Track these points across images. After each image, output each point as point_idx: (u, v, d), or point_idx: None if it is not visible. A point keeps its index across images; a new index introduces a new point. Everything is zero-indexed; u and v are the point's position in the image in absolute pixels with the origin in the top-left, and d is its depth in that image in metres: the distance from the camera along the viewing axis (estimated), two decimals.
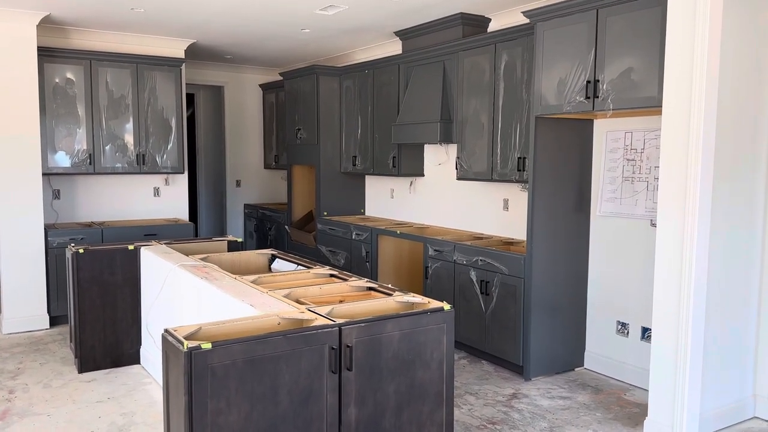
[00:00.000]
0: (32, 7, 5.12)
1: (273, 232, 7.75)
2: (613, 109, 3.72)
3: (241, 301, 2.86)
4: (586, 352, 4.58)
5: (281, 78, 7.34)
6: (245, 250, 4.87)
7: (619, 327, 4.35)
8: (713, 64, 3.17)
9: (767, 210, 3.62)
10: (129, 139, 6.09)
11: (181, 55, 6.52)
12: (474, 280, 4.67)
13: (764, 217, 3.63)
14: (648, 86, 3.52)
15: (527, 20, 4.32)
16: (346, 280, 3.42)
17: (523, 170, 4.54)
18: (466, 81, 5.03)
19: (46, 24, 5.64)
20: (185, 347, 2.21)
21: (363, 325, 2.57)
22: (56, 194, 6.10)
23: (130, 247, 4.46)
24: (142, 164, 6.16)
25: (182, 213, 6.72)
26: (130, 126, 6.08)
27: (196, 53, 7.16)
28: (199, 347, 2.22)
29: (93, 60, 5.86)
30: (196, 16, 5.40)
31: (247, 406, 2.31)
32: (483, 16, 5.18)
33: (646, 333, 4.18)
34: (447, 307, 2.80)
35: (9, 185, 5.29)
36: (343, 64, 6.82)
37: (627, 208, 4.25)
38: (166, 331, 2.40)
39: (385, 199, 6.68)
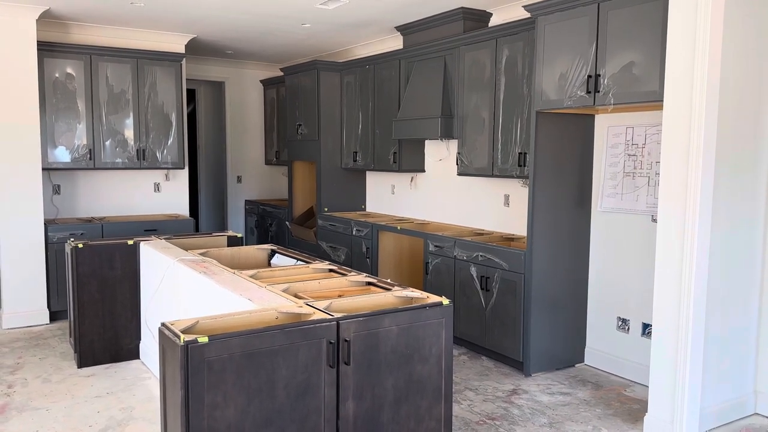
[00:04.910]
0: (32, 1, 5.11)
1: (274, 228, 7.74)
2: (614, 104, 3.69)
3: (239, 296, 2.85)
4: (586, 349, 4.56)
5: (282, 73, 7.32)
6: (245, 245, 4.86)
7: (620, 323, 4.34)
8: (715, 58, 3.15)
9: None
10: (129, 134, 6.08)
11: (182, 50, 6.50)
12: (474, 275, 4.65)
13: (766, 213, 3.60)
14: (649, 81, 3.50)
15: (528, 15, 4.30)
16: (345, 275, 3.40)
17: (524, 166, 4.52)
18: (467, 76, 5.01)
19: (46, 18, 5.62)
20: (182, 341, 2.20)
21: (361, 319, 2.56)
22: (56, 189, 6.09)
23: (130, 242, 4.45)
24: (143, 159, 6.15)
25: (183, 209, 6.71)
26: (130, 121, 6.07)
27: (196, 48, 7.15)
28: (195, 341, 2.21)
29: (93, 55, 5.85)
30: (196, 10, 5.39)
31: (244, 400, 2.30)
32: (484, 11, 5.16)
33: (646, 329, 4.16)
34: (446, 301, 2.78)
35: (9, 180, 5.28)
36: (344, 60, 6.80)
37: (628, 203, 4.23)
38: (163, 324, 2.39)
39: (386, 195, 6.66)
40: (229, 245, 4.64)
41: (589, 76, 3.81)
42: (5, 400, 3.84)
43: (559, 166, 4.32)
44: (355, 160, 6.47)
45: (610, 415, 3.71)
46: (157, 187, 6.60)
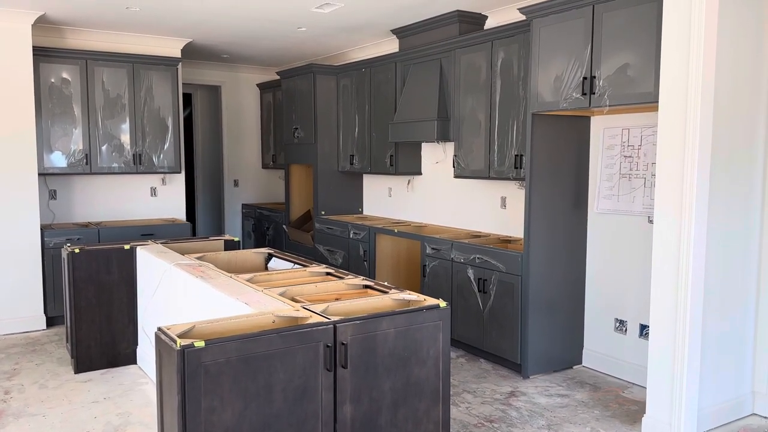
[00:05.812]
0: (27, 6, 5.11)
1: (271, 231, 7.73)
2: (609, 105, 3.70)
3: (236, 300, 2.84)
4: (584, 350, 4.56)
5: (278, 77, 7.33)
6: (242, 249, 4.85)
7: (617, 324, 4.34)
8: (709, 59, 3.16)
9: (765, 205, 3.61)
10: (125, 138, 6.07)
11: (178, 54, 6.50)
12: (471, 278, 4.65)
13: (762, 213, 3.61)
14: (644, 82, 3.50)
15: (524, 17, 4.31)
16: (342, 278, 3.40)
17: (520, 168, 4.52)
18: (462, 79, 5.02)
19: (42, 23, 5.62)
20: (178, 345, 2.19)
21: (358, 322, 2.55)
22: (53, 194, 6.08)
23: (126, 246, 4.44)
24: (139, 164, 6.15)
25: (179, 213, 6.70)
26: (126, 126, 6.07)
27: (192, 53, 7.15)
28: (192, 345, 2.20)
29: (89, 60, 5.84)
30: (192, 15, 5.39)
31: (241, 404, 2.30)
32: (479, 14, 5.17)
33: (644, 330, 4.16)
34: (443, 304, 2.78)
35: (5, 186, 5.27)
36: (340, 63, 6.81)
37: (624, 204, 4.24)
38: (159, 329, 2.39)
39: (383, 198, 6.66)
40: (226, 249, 4.63)
41: (585, 78, 3.81)
42: (2, 407, 3.82)
43: (555, 167, 4.33)
44: (351, 163, 6.47)
45: (608, 417, 3.71)
46: (153, 192, 6.59)
